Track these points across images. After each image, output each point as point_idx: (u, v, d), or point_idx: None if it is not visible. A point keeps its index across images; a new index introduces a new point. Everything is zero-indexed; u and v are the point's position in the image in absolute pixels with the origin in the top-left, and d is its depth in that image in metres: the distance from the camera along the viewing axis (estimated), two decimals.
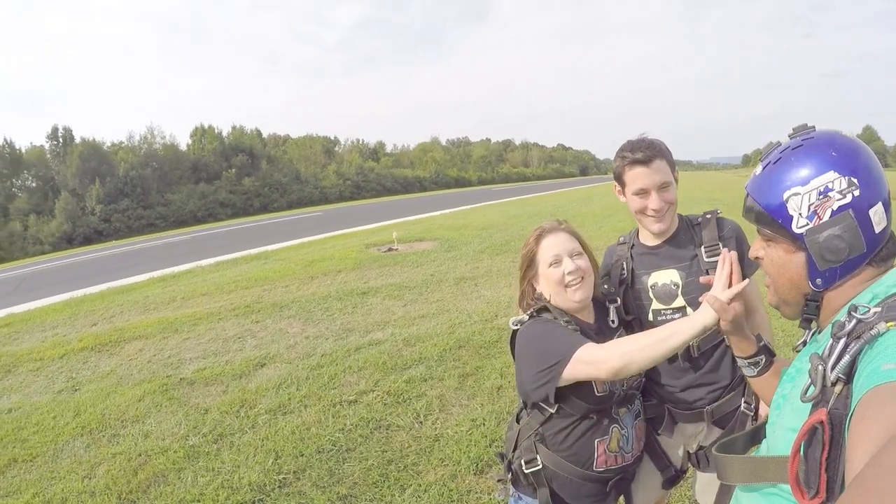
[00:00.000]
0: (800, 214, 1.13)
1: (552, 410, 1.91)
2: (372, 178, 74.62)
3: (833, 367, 0.93)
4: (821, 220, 1.11)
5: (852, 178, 1.09)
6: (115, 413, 5.23)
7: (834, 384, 0.92)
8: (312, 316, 7.91)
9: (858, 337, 0.92)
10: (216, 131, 64.02)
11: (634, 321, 2.22)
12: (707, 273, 2.09)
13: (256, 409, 5.01)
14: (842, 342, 0.94)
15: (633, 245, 2.29)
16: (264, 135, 74.88)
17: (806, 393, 0.98)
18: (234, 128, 67.26)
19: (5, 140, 51.10)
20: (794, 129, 1.22)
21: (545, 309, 2.01)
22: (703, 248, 2.13)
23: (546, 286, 2.03)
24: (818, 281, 1.16)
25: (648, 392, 2.20)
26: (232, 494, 3.74)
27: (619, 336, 2.10)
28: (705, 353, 2.14)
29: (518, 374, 1.99)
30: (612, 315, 2.15)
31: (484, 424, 4.32)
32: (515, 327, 2.03)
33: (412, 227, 17.68)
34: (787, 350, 4.94)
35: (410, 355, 5.97)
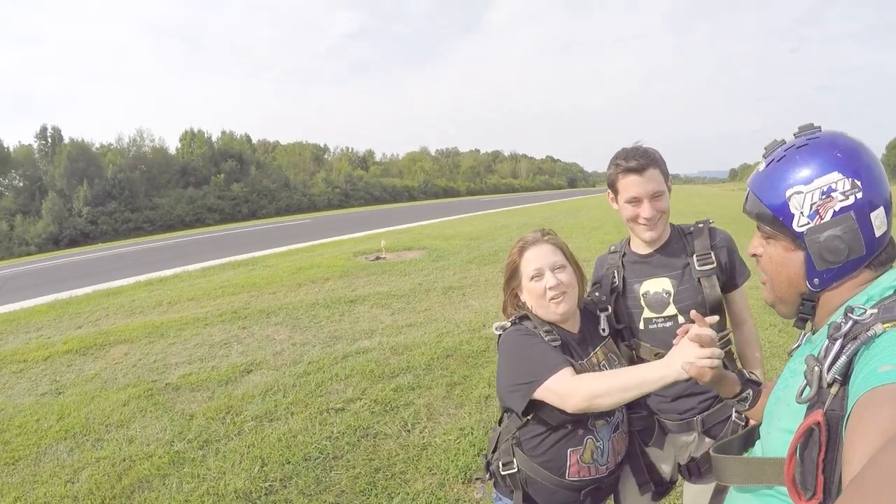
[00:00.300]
0: (801, 213, 1.13)
1: (522, 413, 1.92)
2: (361, 186, 74.54)
3: (829, 369, 0.93)
4: (822, 219, 1.11)
5: (856, 180, 1.09)
6: (99, 417, 5.18)
7: (830, 385, 0.93)
8: (300, 323, 7.87)
9: (855, 338, 0.93)
10: (206, 136, 63.71)
11: (625, 330, 2.23)
12: (699, 282, 2.11)
13: (243, 415, 4.98)
14: (838, 343, 0.95)
15: (625, 254, 2.30)
16: (254, 140, 74.60)
17: (801, 394, 0.98)
18: (223, 133, 66.94)
19: None
20: (799, 128, 1.22)
21: (526, 317, 2.03)
22: (694, 257, 2.15)
23: (529, 298, 2.04)
24: (816, 281, 1.17)
25: (638, 403, 2.17)
26: (217, 501, 3.71)
27: (607, 345, 2.12)
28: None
29: (497, 378, 2.04)
30: (603, 323, 2.16)
31: (472, 433, 4.31)
32: (499, 332, 2.06)
33: (400, 236, 17.66)
34: (779, 357, 4.97)
35: (398, 364, 5.96)
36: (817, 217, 1.12)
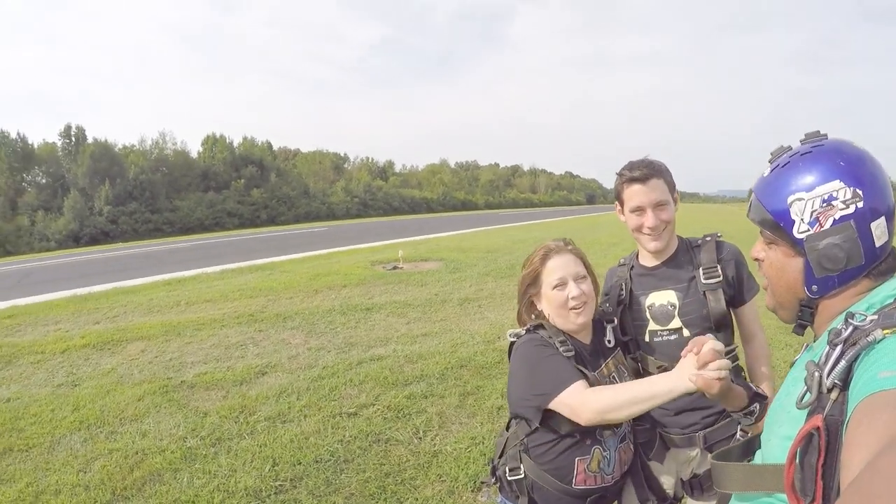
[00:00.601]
0: (802, 220, 1.13)
1: (537, 424, 1.92)
2: (380, 196, 74.93)
3: (829, 374, 0.93)
4: (822, 227, 1.11)
5: (857, 190, 1.09)
6: (113, 410, 5.22)
7: (830, 391, 0.92)
8: (315, 328, 7.90)
9: (855, 344, 0.92)
10: (227, 141, 64.49)
11: (631, 342, 2.24)
12: (704, 295, 2.11)
13: (256, 415, 5.00)
14: (838, 349, 0.94)
15: (633, 266, 2.31)
16: (275, 147, 75.32)
17: (801, 400, 0.98)
18: (245, 139, 67.83)
19: (18, 134, 51.43)
20: (806, 135, 1.22)
21: (541, 326, 2.02)
22: (700, 270, 2.14)
23: (548, 307, 2.03)
24: (814, 288, 1.16)
25: (641, 416, 2.18)
26: (227, 498, 3.73)
27: (616, 356, 2.11)
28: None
29: (509, 385, 2.03)
30: (609, 335, 2.15)
31: (483, 443, 4.30)
32: (513, 339, 2.06)
33: (418, 247, 17.70)
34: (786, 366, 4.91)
35: (412, 372, 5.96)
36: (817, 224, 1.11)
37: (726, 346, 2.13)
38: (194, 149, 63.88)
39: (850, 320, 0.97)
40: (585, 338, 2.07)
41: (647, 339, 2.20)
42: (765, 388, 2.21)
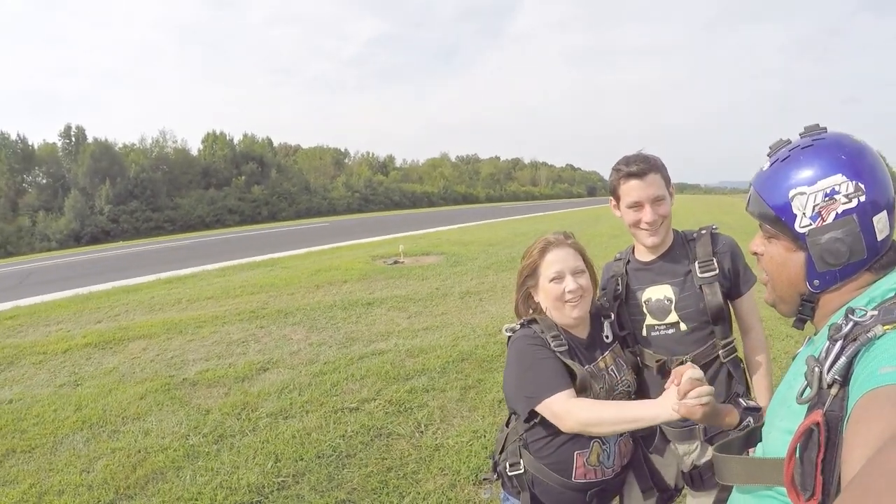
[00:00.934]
0: (804, 214, 1.13)
1: (524, 418, 1.95)
2: (380, 191, 74.84)
3: (829, 369, 0.93)
4: (824, 221, 1.11)
5: (859, 183, 1.09)
6: (115, 409, 5.23)
7: (830, 386, 0.92)
8: (317, 324, 7.91)
9: (855, 339, 0.92)
10: (227, 138, 64.37)
11: (629, 336, 2.24)
12: (700, 289, 2.11)
13: (258, 412, 5.00)
14: (838, 344, 0.94)
15: (629, 261, 2.31)
16: (275, 144, 75.19)
17: (802, 395, 0.98)
18: (245, 135, 67.61)
19: (18, 135, 51.39)
20: (805, 129, 1.21)
21: (535, 321, 2.03)
22: (696, 264, 2.14)
23: (545, 299, 2.04)
24: (816, 282, 1.16)
25: None
26: (230, 495, 3.74)
27: (614, 350, 2.12)
28: (700, 368, 2.14)
29: (504, 378, 2.05)
30: (607, 330, 2.16)
31: (485, 436, 4.31)
32: (509, 334, 2.08)
33: (419, 241, 17.68)
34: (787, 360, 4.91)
35: (413, 366, 5.96)
36: (819, 219, 1.11)
37: (724, 338, 2.13)
38: (195, 146, 63.77)
39: (850, 316, 0.97)
40: (582, 332, 2.08)
41: (644, 333, 2.20)
42: (764, 382, 2.22)
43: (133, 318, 8.85)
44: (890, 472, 0.64)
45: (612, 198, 2.24)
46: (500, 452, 2.12)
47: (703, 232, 2.22)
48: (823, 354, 0.96)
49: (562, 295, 1.97)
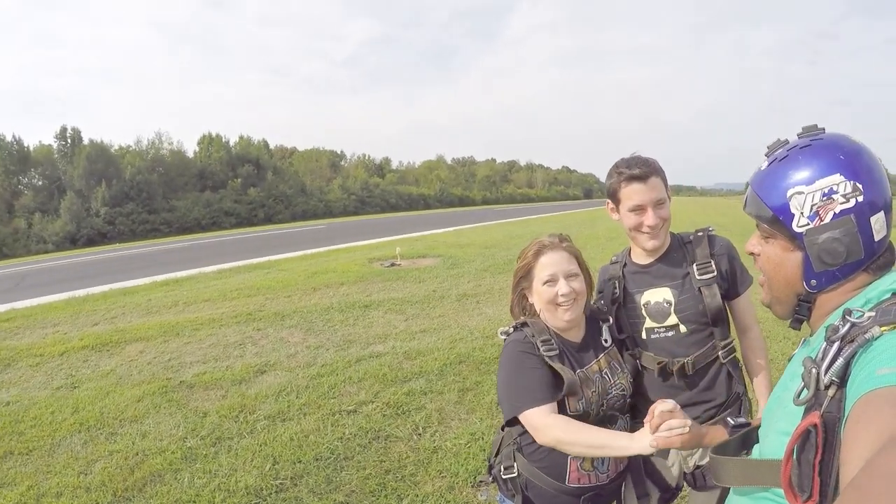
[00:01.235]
0: (801, 214, 1.12)
1: (506, 421, 1.99)
2: (377, 193, 74.86)
3: (827, 371, 0.93)
4: (822, 221, 1.11)
5: (857, 183, 1.09)
6: (113, 412, 5.22)
7: (827, 387, 0.92)
8: (314, 326, 7.91)
9: (852, 341, 0.92)
10: (223, 140, 64.34)
11: (628, 339, 2.24)
12: (699, 291, 2.11)
13: (255, 414, 5.00)
14: (835, 346, 0.94)
15: (626, 264, 2.30)
16: (271, 146, 75.14)
17: (799, 396, 0.97)
18: (241, 137, 67.62)
19: (14, 137, 51.26)
20: (803, 129, 1.21)
21: (526, 324, 2.05)
22: (694, 266, 2.15)
23: (538, 301, 2.05)
24: (813, 282, 1.16)
25: (641, 411, 2.16)
26: (228, 497, 3.73)
27: (609, 353, 2.11)
28: (700, 370, 2.15)
29: (497, 381, 2.07)
30: (605, 334, 2.16)
31: (482, 438, 4.31)
32: (503, 337, 2.09)
33: (415, 244, 17.70)
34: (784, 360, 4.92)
35: (411, 368, 5.96)
36: (817, 218, 1.11)
37: (723, 339, 2.14)
38: (190, 148, 63.83)
39: (847, 317, 0.97)
40: (575, 335, 2.08)
41: (643, 336, 2.20)
42: (762, 381, 2.23)
43: (130, 320, 8.84)
44: (888, 475, 0.64)
45: (609, 201, 2.23)
46: (496, 455, 2.13)
47: (700, 234, 2.22)
48: (820, 356, 0.96)
49: (554, 298, 1.98)
